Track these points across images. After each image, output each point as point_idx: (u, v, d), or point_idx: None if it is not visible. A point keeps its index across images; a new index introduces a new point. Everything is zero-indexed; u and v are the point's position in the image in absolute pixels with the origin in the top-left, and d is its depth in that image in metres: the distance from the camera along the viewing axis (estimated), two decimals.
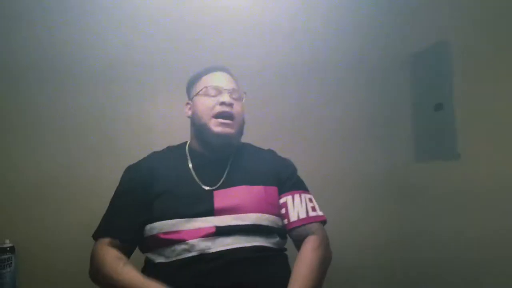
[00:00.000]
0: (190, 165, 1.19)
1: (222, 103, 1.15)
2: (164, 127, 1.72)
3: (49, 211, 1.59)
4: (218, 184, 1.15)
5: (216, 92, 1.18)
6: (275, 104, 1.87)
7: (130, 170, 1.21)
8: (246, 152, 1.27)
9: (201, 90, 1.20)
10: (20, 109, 1.61)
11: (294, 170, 1.28)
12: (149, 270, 1.10)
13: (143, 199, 1.12)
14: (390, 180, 1.97)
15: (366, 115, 2.00)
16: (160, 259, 1.09)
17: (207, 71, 1.24)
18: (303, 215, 1.15)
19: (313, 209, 1.18)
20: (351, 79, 1.98)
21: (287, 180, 1.22)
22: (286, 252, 1.19)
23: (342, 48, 1.96)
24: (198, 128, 1.19)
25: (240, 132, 1.22)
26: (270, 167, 1.22)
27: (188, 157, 1.22)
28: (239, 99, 1.22)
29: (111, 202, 1.17)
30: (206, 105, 1.17)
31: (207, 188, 1.14)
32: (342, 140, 1.95)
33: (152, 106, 1.74)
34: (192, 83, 1.28)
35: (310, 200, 1.21)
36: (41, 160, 1.61)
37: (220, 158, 1.22)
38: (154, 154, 1.26)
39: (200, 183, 1.15)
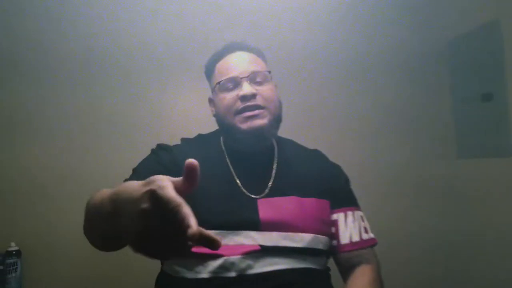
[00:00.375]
0: (229, 162, 0.98)
1: (243, 98, 0.92)
2: (178, 123, 1.61)
3: (56, 213, 1.49)
4: (265, 193, 0.94)
5: (233, 84, 0.95)
6: (314, 95, 1.75)
7: (161, 147, 1.00)
8: (291, 153, 1.05)
9: (215, 86, 0.98)
10: (28, 108, 1.53)
11: (346, 180, 1.07)
12: (166, 283, 0.93)
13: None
14: (429, 179, 1.77)
15: (403, 107, 1.82)
16: (184, 273, 0.88)
17: (220, 55, 1.01)
18: (356, 237, 0.97)
19: (366, 230, 0.99)
20: (389, 69, 1.82)
21: (340, 192, 1.01)
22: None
23: (378, 37, 1.80)
24: (225, 129, 0.99)
25: (276, 119, 0.97)
26: (321, 174, 1.01)
27: (225, 152, 1.00)
28: (265, 81, 0.96)
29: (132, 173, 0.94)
30: (226, 103, 0.95)
31: (251, 195, 0.93)
32: (376, 134, 1.78)
33: (159, 102, 1.65)
34: (208, 75, 1.05)
35: (362, 218, 1.01)
36: (47, 160, 1.52)
37: (262, 158, 1.00)
38: (186, 141, 1.06)
39: (242, 188, 0.94)
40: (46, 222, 1.49)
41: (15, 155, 1.50)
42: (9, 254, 1.40)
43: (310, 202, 0.95)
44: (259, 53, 1.02)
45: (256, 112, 0.92)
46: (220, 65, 0.99)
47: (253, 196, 0.93)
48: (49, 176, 1.51)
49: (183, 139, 1.07)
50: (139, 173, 0.91)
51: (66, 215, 1.48)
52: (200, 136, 1.09)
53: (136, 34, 1.61)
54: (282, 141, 1.08)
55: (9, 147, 1.51)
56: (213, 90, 1.01)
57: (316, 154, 1.10)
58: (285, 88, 1.17)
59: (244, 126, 0.92)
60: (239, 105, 0.92)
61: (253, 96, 0.92)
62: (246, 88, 0.92)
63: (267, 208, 0.91)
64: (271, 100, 0.95)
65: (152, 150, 1.01)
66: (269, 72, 0.99)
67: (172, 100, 1.65)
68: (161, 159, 0.95)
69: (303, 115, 1.69)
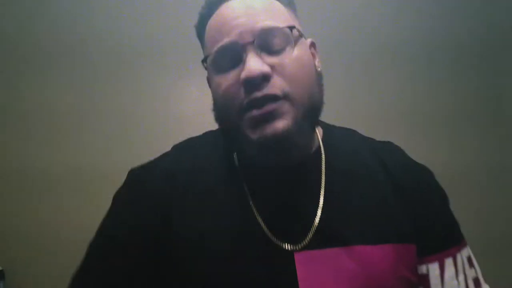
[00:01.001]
0: (246, 188, 0.59)
1: (247, 83, 0.52)
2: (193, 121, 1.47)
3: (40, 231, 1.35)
4: (307, 239, 0.54)
5: (231, 57, 0.54)
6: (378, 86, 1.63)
7: (135, 181, 0.62)
8: (352, 159, 0.62)
9: (206, 61, 0.58)
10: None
11: (443, 198, 0.64)
12: None
13: (151, 245, 0.56)
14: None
15: (474, 101, 1.69)
16: None
17: (211, 7, 0.59)
18: None
19: (477, 283, 0.60)
20: (461, 60, 1.70)
21: (433, 227, 0.60)
22: None
23: (449, 28, 1.70)
24: (228, 138, 0.61)
25: (309, 110, 0.55)
26: (405, 195, 0.60)
27: (239, 172, 0.60)
28: (287, 44, 0.55)
29: (96, 236, 0.60)
30: (223, 92, 0.55)
31: (284, 246, 0.54)
32: (446, 130, 1.65)
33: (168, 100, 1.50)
34: (201, 39, 0.62)
35: (470, 261, 0.61)
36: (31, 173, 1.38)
37: (299, 178, 0.59)
38: (179, 152, 0.65)
39: (268, 233, 0.55)
40: (29, 242, 1.34)
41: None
42: None
43: (385, 253, 0.55)
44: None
45: (270, 108, 0.52)
46: (212, 22, 0.58)
47: (287, 247, 0.54)
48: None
49: (176, 148, 0.67)
50: (101, 259, 0.57)
51: (50, 232, 1.33)
52: (201, 139, 0.67)
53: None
54: (336, 138, 0.64)
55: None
56: (206, 68, 0.60)
57: (390, 149, 0.66)
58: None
59: (254, 135, 0.53)
60: (243, 97, 0.53)
61: (264, 78, 0.52)
62: (252, 65, 0.52)
63: (311, 270, 0.53)
64: (298, 79, 0.54)
65: (121, 193, 0.62)
66: (293, 28, 0.55)
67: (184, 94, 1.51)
68: (139, 213, 0.57)
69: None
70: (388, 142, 0.68)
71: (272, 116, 0.52)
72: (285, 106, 0.52)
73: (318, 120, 0.60)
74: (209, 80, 0.61)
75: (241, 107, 0.53)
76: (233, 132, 0.56)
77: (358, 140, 0.66)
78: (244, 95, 0.53)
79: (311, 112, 0.56)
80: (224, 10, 0.57)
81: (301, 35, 0.58)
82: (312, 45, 0.62)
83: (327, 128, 0.65)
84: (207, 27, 0.59)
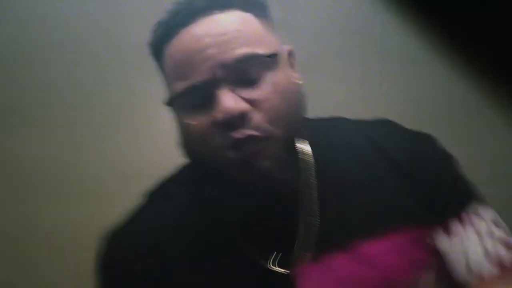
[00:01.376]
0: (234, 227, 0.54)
1: (224, 125, 0.45)
2: None
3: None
4: (305, 256, 0.50)
5: (201, 95, 0.46)
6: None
7: (109, 256, 0.54)
8: (341, 155, 0.55)
9: (171, 98, 0.50)
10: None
11: (447, 164, 0.56)
12: None
13: None
14: None
15: None
16: None
17: (174, 24, 0.48)
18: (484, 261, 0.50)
19: (508, 243, 0.50)
20: None
21: (436, 195, 0.53)
22: None
23: None
24: (207, 178, 0.51)
25: (291, 135, 0.49)
26: (401, 171, 0.53)
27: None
28: (263, 73, 0.47)
29: None
30: (196, 137, 0.47)
31: (278, 269, 0.49)
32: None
33: None
34: (157, 59, 0.52)
35: (495, 222, 0.52)
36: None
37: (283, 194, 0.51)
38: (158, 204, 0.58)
39: (254, 253, 0.50)
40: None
41: None
42: None
43: (392, 244, 0.50)
44: (255, 9, 0.50)
45: (252, 148, 0.45)
46: (173, 51, 0.48)
47: (281, 270, 0.49)
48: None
49: (146, 196, 0.58)
50: None
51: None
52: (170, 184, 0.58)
53: None
54: (323, 139, 0.56)
55: None
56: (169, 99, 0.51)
57: (389, 131, 0.58)
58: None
59: (240, 179, 0.46)
60: (220, 141, 0.46)
61: (242, 116, 0.45)
62: (228, 103, 0.44)
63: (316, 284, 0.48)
64: (280, 110, 0.47)
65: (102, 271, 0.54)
66: (275, 56, 0.48)
67: None
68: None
69: None
70: (381, 120, 0.60)
71: (255, 157, 0.45)
72: (267, 144, 0.45)
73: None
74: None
75: (218, 150, 0.45)
76: (215, 174, 0.48)
77: (347, 130, 0.58)
78: (219, 136, 0.45)
79: (292, 138, 0.49)
80: (187, 38, 0.46)
81: (279, 59, 0.48)
82: (290, 54, 0.53)
83: (311, 131, 0.55)
84: (167, 55, 0.49)
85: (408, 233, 0.50)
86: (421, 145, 0.56)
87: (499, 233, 0.50)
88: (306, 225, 0.50)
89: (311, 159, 0.54)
